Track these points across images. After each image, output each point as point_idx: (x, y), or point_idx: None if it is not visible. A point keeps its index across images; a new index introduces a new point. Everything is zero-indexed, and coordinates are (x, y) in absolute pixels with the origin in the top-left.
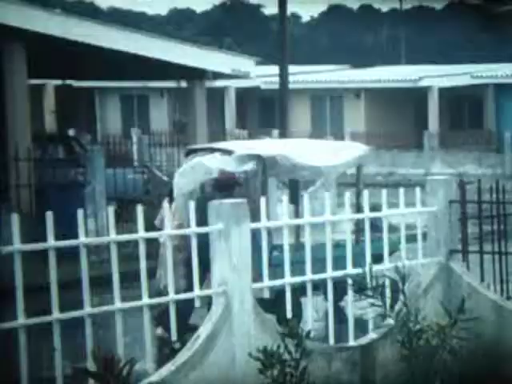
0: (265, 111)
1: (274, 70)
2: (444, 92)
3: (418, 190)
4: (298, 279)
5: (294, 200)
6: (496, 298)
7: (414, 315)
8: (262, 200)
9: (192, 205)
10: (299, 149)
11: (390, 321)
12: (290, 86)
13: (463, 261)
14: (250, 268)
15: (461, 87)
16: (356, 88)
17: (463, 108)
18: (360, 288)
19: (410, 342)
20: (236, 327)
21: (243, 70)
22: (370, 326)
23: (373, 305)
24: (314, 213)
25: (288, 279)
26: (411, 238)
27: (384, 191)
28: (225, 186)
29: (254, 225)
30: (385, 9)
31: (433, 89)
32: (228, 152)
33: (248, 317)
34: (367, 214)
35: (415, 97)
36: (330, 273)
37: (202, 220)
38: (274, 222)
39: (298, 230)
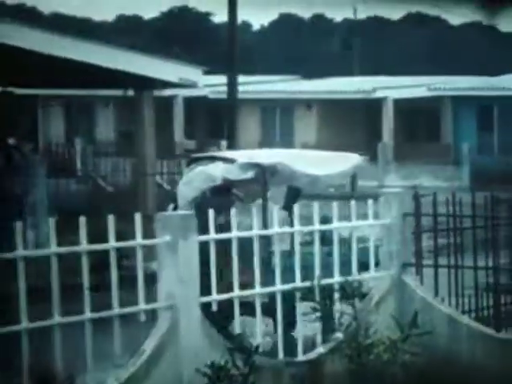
0: (214, 121)
1: (223, 79)
2: (399, 104)
3: (370, 202)
4: (245, 293)
5: (288, 208)
6: (450, 312)
7: (365, 329)
8: (210, 212)
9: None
10: (298, 158)
11: (340, 335)
12: (239, 95)
13: (417, 274)
14: (198, 281)
15: (417, 99)
16: (307, 99)
17: (419, 120)
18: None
19: (360, 357)
20: (183, 342)
21: (191, 79)
22: (319, 340)
23: (321, 318)
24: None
25: (237, 292)
26: (364, 251)
27: (334, 203)
28: (221, 190)
29: (202, 237)
30: (338, 18)
31: (387, 100)
32: (230, 160)
33: (195, 331)
34: (317, 227)
35: (369, 108)
36: (278, 286)
37: (203, 223)
38: (223, 235)
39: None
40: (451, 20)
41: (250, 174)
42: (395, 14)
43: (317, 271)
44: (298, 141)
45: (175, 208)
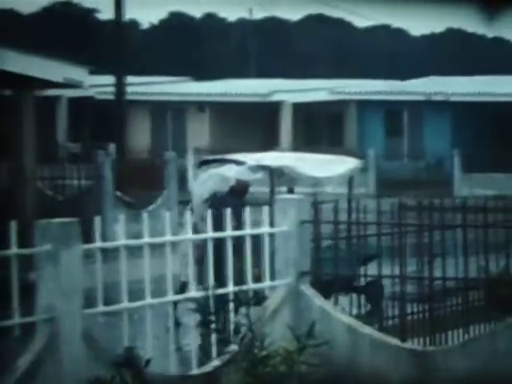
0: (101, 123)
1: (111, 79)
2: (299, 107)
3: (266, 209)
4: (136, 304)
5: None
6: (350, 321)
7: (260, 341)
8: (97, 220)
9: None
10: (302, 161)
11: (235, 346)
12: (128, 97)
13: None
14: (81, 292)
15: (319, 103)
16: (200, 101)
17: (321, 124)
18: (203, 312)
19: (256, 369)
20: (64, 356)
21: (76, 79)
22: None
23: (215, 330)
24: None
25: (126, 304)
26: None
27: (228, 210)
28: (238, 191)
29: (87, 246)
30: (232, 18)
31: (285, 104)
32: (240, 163)
33: (78, 345)
34: (210, 235)
35: (266, 112)
36: (170, 296)
37: (217, 218)
38: (110, 243)
39: None
40: (356, 22)
41: (259, 176)
42: (295, 14)
43: (210, 280)
44: (190, 144)
45: (192, 208)
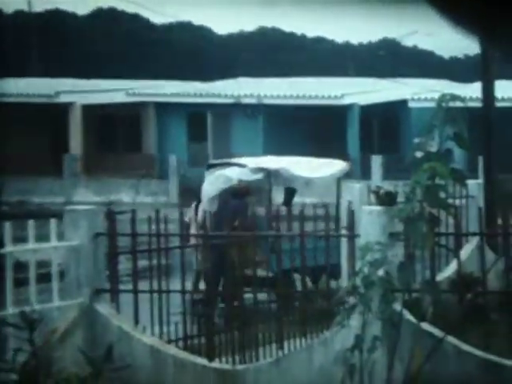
0: None
1: None
2: (91, 109)
3: (53, 221)
4: None
5: (288, 204)
6: (153, 342)
7: (46, 367)
8: None
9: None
10: (295, 163)
11: (15, 376)
12: None
13: (112, 302)
14: None
15: (113, 105)
16: None
17: (117, 129)
18: None
19: None
20: None
21: None
22: None
23: None
24: None
25: None
26: (47, 278)
27: (8, 224)
28: (240, 193)
29: None
30: (9, 10)
31: (75, 106)
32: (242, 165)
33: None
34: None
35: (52, 115)
36: None
37: (220, 218)
38: None
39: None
40: (154, 18)
41: (258, 176)
42: (82, 8)
43: None
44: None
45: (197, 204)
